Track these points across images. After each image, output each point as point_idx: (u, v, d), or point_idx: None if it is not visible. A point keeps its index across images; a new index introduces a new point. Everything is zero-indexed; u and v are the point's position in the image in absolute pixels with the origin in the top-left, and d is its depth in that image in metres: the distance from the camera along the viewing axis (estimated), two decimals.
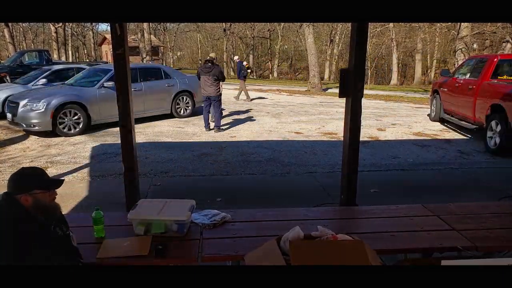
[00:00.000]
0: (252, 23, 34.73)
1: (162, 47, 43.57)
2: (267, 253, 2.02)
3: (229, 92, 17.56)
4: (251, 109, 12.10)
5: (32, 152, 6.97)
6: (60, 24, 30.51)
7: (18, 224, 1.88)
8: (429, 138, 8.33)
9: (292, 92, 18.67)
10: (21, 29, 44.77)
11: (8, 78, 12.81)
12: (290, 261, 1.82)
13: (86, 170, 5.91)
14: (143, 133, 8.29)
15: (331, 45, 36.87)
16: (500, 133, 6.76)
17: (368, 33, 5.47)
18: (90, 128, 8.45)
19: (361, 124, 3.75)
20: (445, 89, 9.45)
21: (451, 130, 9.06)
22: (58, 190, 2.08)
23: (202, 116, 9.04)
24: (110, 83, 8.43)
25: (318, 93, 18.96)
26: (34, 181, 1.97)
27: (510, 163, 6.44)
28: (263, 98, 15.74)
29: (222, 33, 35.07)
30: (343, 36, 35.59)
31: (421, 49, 31.03)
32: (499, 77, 8.01)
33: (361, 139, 3.75)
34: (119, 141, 3.58)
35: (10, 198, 1.94)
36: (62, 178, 2.25)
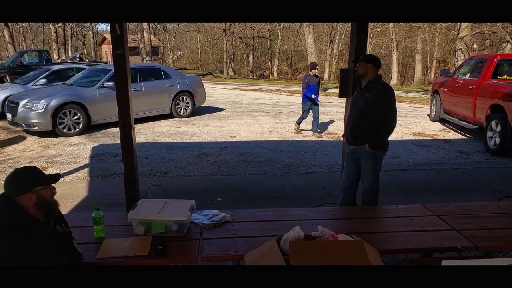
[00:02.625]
0: (252, 23, 34.70)
1: (162, 47, 43.54)
2: (267, 253, 2.02)
3: (228, 92, 17.56)
4: (251, 109, 12.10)
5: (31, 152, 6.97)
6: (60, 24, 30.50)
7: (18, 225, 1.88)
8: (429, 138, 8.33)
9: (292, 92, 18.66)
10: (21, 29, 44.73)
11: (8, 78, 12.81)
12: (290, 261, 1.82)
13: (86, 170, 5.91)
14: (143, 133, 8.29)
15: (331, 45, 36.82)
16: (500, 133, 6.76)
17: (368, 33, 5.47)
18: (90, 128, 8.44)
19: None
20: (445, 89, 9.45)
21: (451, 130, 9.06)
22: (58, 190, 2.08)
23: (202, 116, 9.05)
24: (110, 83, 8.43)
25: None
26: (34, 179, 1.97)
27: (510, 163, 6.44)
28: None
29: (222, 33, 35.01)
30: (343, 36, 35.55)
31: (421, 49, 31.00)
32: (499, 77, 8.02)
33: None
34: (119, 141, 3.59)
35: (8, 200, 1.92)
36: (58, 172, 2.25)
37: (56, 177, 2.07)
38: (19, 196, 1.91)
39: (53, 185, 2.06)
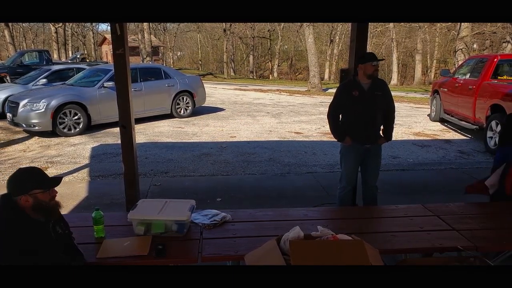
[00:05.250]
0: (252, 23, 34.71)
1: (162, 47, 43.53)
2: (267, 253, 2.02)
3: (228, 92, 17.57)
4: (251, 109, 12.11)
5: (32, 152, 6.97)
6: (60, 24, 30.52)
7: (17, 226, 1.88)
8: (429, 138, 8.33)
9: (292, 92, 18.66)
10: (21, 29, 44.73)
11: (8, 78, 12.80)
12: (290, 261, 1.82)
13: (86, 170, 5.91)
14: (143, 133, 8.29)
15: (331, 45, 36.85)
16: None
17: (368, 33, 5.47)
18: (90, 128, 8.45)
19: None
20: (445, 89, 9.44)
21: (451, 130, 9.06)
22: (58, 190, 2.07)
23: (202, 116, 9.05)
24: (110, 83, 8.43)
25: (318, 93, 18.96)
26: (32, 181, 1.96)
27: None
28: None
29: (222, 33, 35.01)
30: (343, 36, 35.57)
31: (421, 49, 31.01)
32: (499, 77, 8.01)
33: None
34: (119, 141, 3.59)
35: (9, 200, 1.93)
36: (60, 176, 2.24)
37: (57, 180, 2.05)
38: (16, 197, 1.92)
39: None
